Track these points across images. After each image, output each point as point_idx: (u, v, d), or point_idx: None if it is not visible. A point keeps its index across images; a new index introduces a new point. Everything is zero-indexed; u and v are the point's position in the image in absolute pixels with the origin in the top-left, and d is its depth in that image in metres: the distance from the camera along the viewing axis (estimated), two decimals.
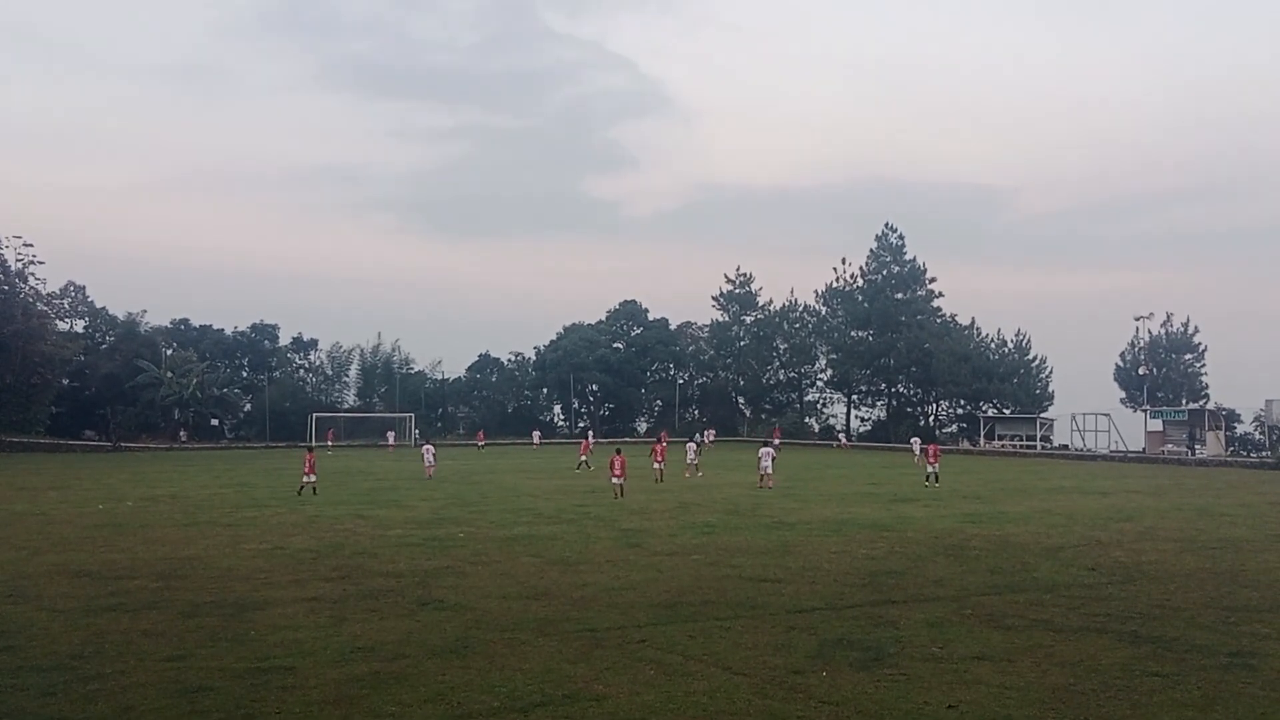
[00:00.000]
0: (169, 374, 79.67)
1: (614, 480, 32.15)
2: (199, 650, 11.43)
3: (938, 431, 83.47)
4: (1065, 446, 72.65)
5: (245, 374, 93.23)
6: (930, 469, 38.92)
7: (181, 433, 79.91)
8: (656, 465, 39.92)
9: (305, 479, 32.76)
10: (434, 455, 43.04)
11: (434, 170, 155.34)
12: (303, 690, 9.80)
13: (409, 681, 10.09)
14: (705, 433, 76.87)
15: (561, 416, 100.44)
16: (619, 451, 33.88)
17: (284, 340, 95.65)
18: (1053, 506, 29.60)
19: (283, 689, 9.83)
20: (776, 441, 68.99)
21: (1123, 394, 78.37)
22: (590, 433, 69.96)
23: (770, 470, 36.08)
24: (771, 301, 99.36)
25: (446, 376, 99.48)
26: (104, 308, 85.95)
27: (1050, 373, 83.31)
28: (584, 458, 47.89)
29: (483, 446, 73.37)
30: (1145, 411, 70.63)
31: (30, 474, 44.06)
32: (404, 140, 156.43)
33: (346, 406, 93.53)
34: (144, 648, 11.55)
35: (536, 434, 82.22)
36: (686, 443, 50.26)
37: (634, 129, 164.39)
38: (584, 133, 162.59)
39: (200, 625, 12.76)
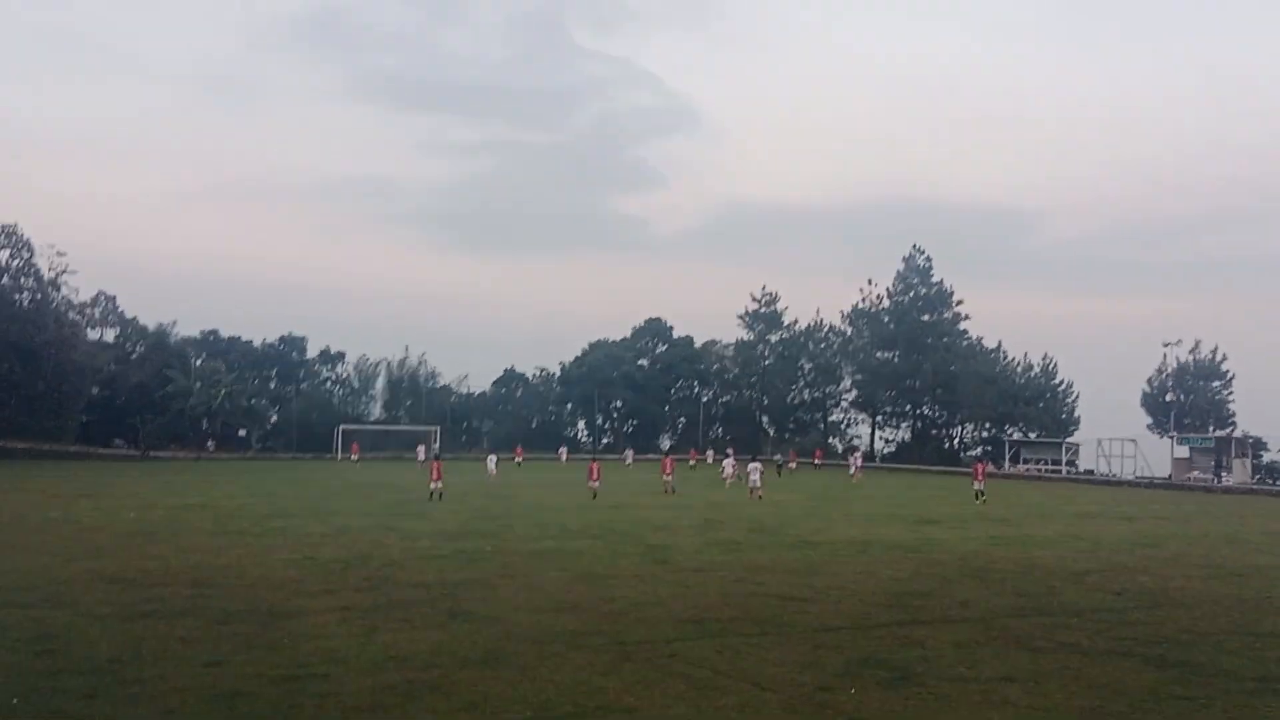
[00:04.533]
0: (198, 384, 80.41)
1: (591, 484, 38.61)
2: (234, 656, 11.61)
3: (963, 454, 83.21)
4: (1091, 471, 72.22)
5: (273, 385, 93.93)
6: (977, 486, 41.93)
7: (209, 442, 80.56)
8: (728, 475, 48.66)
9: (433, 485, 36.09)
10: (495, 464, 51.84)
11: (462, 184, 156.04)
12: (338, 697, 9.97)
13: (443, 691, 10.24)
14: (727, 451, 76.37)
15: (586, 432, 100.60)
16: (595, 459, 42.87)
17: (312, 352, 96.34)
18: (1078, 531, 29.52)
19: (319, 696, 9.99)
20: (818, 461, 69.00)
21: (1149, 420, 78.09)
22: (711, 448, 71.05)
23: (759, 484, 39.82)
24: (797, 321, 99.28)
25: (472, 391, 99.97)
26: (134, 317, 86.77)
27: (1077, 397, 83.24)
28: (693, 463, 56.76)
29: (520, 462, 73.06)
30: (1172, 438, 70.20)
31: (62, 481, 44.56)
32: (433, 154, 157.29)
33: (372, 419, 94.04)
34: (181, 653, 11.74)
35: (563, 450, 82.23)
36: (749, 462, 44.61)
37: (662, 146, 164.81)
38: (612, 149, 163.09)
39: (235, 632, 12.95)
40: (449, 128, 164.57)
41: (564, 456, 79.76)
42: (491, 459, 52.75)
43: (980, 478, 42.72)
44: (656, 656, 11.89)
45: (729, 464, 51.11)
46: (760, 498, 38.62)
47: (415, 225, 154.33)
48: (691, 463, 64.66)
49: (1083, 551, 24.09)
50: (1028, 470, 73.04)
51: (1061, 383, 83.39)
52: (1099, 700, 10.40)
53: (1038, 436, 78.97)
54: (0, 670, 10.88)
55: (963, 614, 15.27)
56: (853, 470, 61.23)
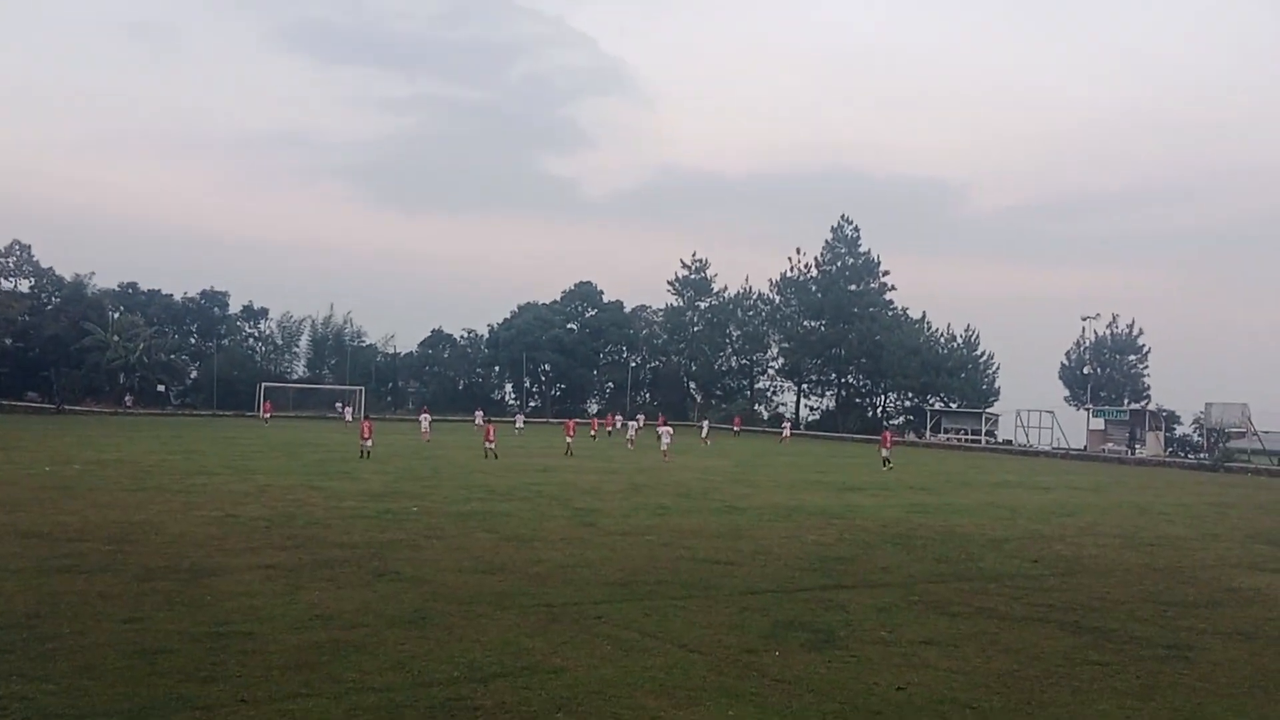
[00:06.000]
0: (115, 338, 78.68)
1: (487, 445, 39.08)
2: (156, 613, 11.44)
3: (885, 423, 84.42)
4: (1009, 442, 73.73)
5: (193, 340, 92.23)
6: (884, 453, 42.95)
7: (126, 397, 78.91)
8: (630, 438, 52.23)
9: (363, 442, 36.77)
10: (429, 424, 51.98)
11: (390, 140, 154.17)
12: (263, 655, 9.88)
13: (369, 650, 10.19)
14: (637, 417, 72.03)
15: (513, 395, 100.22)
16: (489, 422, 45.70)
17: (234, 308, 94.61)
18: (997, 500, 30.13)
19: (243, 653, 9.90)
20: (737, 428, 69.65)
21: (1066, 392, 79.69)
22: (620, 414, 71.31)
23: (668, 446, 42.84)
24: (726, 288, 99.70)
25: (398, 351, 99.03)
26: (50, 268, 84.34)
27: (997, 369, 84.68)
28: (610, 429, 57.53)
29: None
30: (1088, 410, 71.81)
31: None
32: (360, 108, 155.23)
33: (296, 377, 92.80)
34: (100, 609, 11.54)
35: (479, 413, 70.69)
36: (659, 426, 49.66)
37: (594, 107, 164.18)
38: (543, 109, 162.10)
39: (155, 589, 12.75)
40: (377, 82, 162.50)
41: (479, 419, 72.92)
42: (425, 419, 53.23)
43: (888, 445, 43.96)
44: (584, 618, 11.95)
45: (633, 426, 55.16)
46: (667, 460, 40.84)
47: (342, 180, 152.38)
48: (609, 429, 65.20)
49: (1001, 520, 24.59)
50: (948, 440, 74.32)
51: (983, 354, 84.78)
52: (1015, 664, 10.67)
53: (959, 407, 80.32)
54: None
55: (884, 579, 15.54)
56: (704, 432, 61.57)
